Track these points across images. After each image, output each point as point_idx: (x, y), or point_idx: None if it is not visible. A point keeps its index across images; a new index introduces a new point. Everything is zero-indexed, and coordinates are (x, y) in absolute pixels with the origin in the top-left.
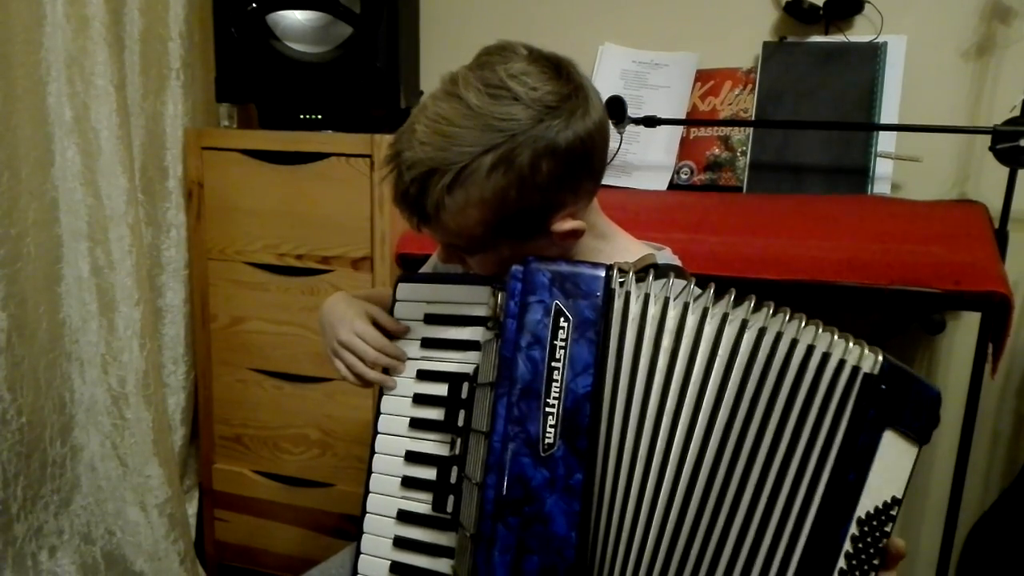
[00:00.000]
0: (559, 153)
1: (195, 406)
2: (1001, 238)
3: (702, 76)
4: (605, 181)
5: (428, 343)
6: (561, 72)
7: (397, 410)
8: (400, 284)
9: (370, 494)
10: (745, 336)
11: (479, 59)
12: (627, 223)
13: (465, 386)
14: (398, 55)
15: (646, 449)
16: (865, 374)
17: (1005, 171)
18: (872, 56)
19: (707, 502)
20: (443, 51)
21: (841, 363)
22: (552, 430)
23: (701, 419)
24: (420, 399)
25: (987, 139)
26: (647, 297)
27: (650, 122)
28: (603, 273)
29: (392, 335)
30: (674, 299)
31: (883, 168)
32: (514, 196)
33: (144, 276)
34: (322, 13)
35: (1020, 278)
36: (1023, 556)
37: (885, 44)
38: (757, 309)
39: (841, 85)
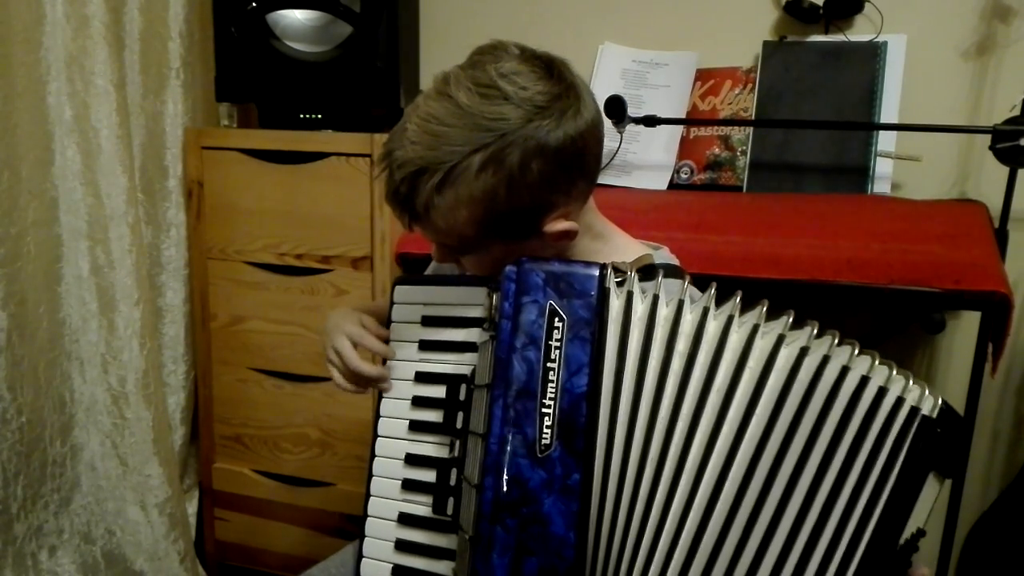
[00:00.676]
0: (549, 153)
1: (195, 405)
2: (1001, 237)
3: (702, 75)
4: (605, 180)
5: (425, 345)
6: (553, 71)
7: (396, 413)
8: (397, 287)
9: (371, 497)
10: (782, 352)
11: (471, 58)
12: (627, 222)
13: (463, 388)
14: (398, 54)
15: (657, 452)
16: (923, 416)
17: (1005, 170)
18: (872, 55)
19: (735, 515)
20: (443, 51)
21: (899, 401)
22: (549, 431)
23: (727, 430)
24: (419, 401)
25: (987, 138)
26: (655, 298)
27: (650, 121)
28: (597, 272)
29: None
30: (690, 302)
31: (883, 167)
32: (504, 196)
33: (144, 275)
34: (322, 12)
35: (1020, 277)
36: (1023, 556)
37: (885, 43)
38: (797, 326)
39: (841, 84)
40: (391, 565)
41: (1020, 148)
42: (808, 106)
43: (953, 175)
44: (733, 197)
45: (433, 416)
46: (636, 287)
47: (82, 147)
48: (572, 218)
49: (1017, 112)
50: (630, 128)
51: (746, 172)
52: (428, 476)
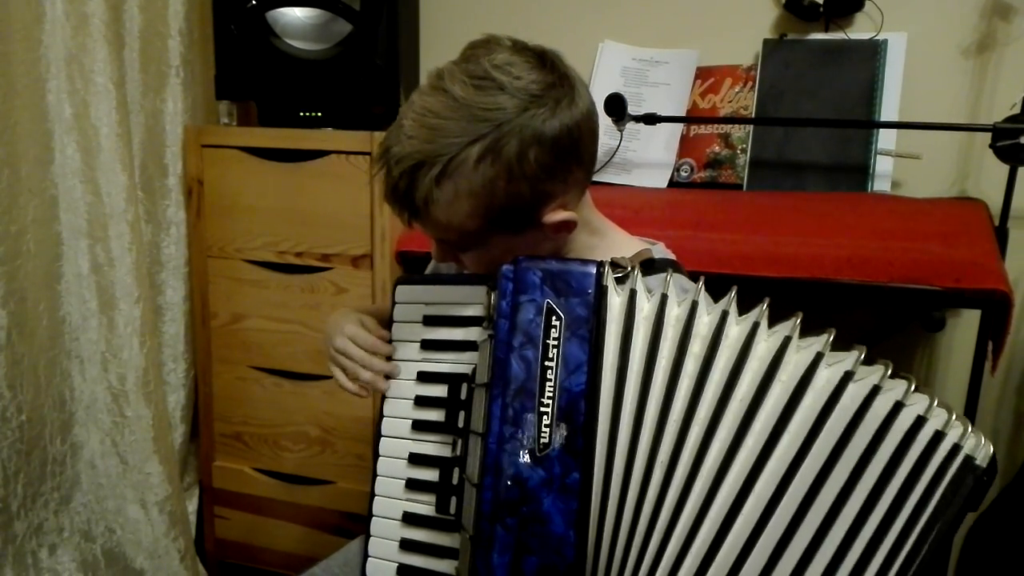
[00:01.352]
0: (546, 142)
1: (195, 404)
2: (1001, 235)
3: (702, 73)
4: (605, 178)
5: (427, 345)
6: (546, 62)
7: (399, 413)
8: (398, 287)
9: (376, 497)
10: (822, 372)
11: (464, 53)
12: (627, 221)
13: (464, 387)
14: (398, 52)
15: (668, 454)
16: (978, 466)
17: (1005, 168)
18: (872, 53)
19: (760, 531)
20: (443, 48)
21: (955, 448)
22: (547, 430)
23: (751, 442)
24: (421, 401)
25: (987, 136)
26: (664, 297)
27: (650, 119)
28: (594, 270)
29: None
30: (707, 303)
31: (883, 165)
32: (503, 186)
33: (144, 273)
34: (322, 10)
35: (1020, 276)
36: (1023, 555)
37: (885, 41)
38: (837, 347)
39: (841, 82)
40: (396, 564)
41: (1020, 146)
42: (808, 104)
43: (953, 173)
44: (733, 195)
45: (436, 415)
46: (640, 285)
47: (82, 145)
48: (570, 209)
49: (1017, 110)
50: (630, 126)
51: (746, 170)
52: (431, 475)
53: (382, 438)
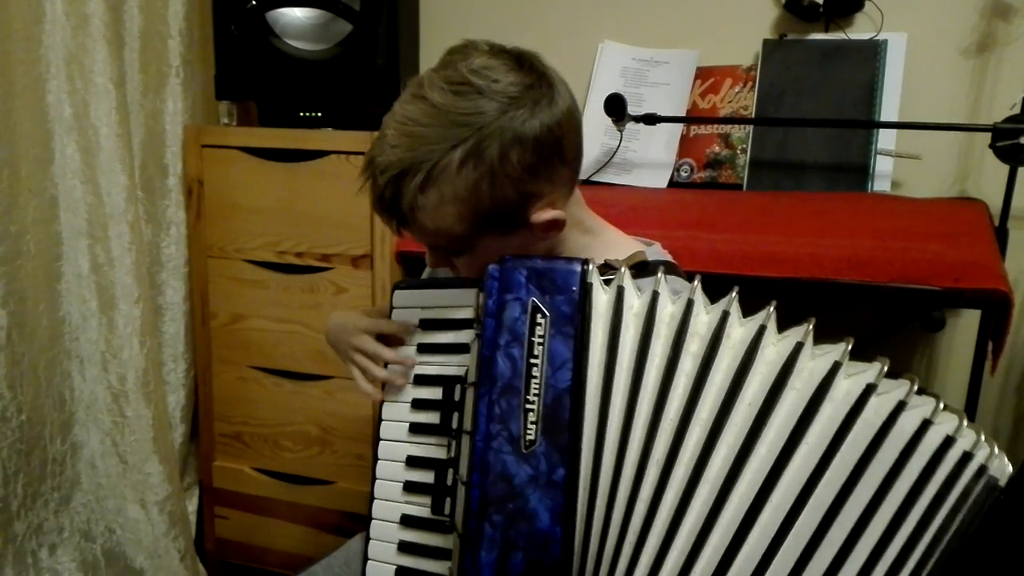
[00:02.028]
0: (527, 142)
1: (195, 403)
2: (1001, 236)
3: (702, 73)
4: (605, 178)
5: (424, 348)
6: (523, 63)
7: (397, 416)
8: (396, 292)
9: (375, 500)
10: (841, 382)
11: (442, 59)
12: (627, 221)
13: (458, 388)
14: (398, 52)
15: (664, 453)
16: (999, 487)
17: (1005, 169)
18: (872, 54)
19: (778, 546)
20: (443, 49)
21: (982, 469)
22: (533, 427)
23: (764, 451)
24: (418, 404)
25: (987, 137)
26: (655, 295)
27: (650, 120)
28: (578, 268)
29: (395, 337)
30: (704, 302)
31: (883, 166)
32: (487, 189)
33: (144, 273)
34: (322, 10)
35: (1020, 276)
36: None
37: (885, 42)
38: (856, 357)
39: (841, 83)
40: (395, 567)
41: (1020, 146)
42: (808, 104)
43: (953, 173)
44: (733, 195)
45: (432, 418)
46: (628, 282)
47: (82, 145)
48: (558, 207)
49: (1017, 110)
50: (630, 126)
51: (746, 170)
52: (428, 477)
53: (381, 441)
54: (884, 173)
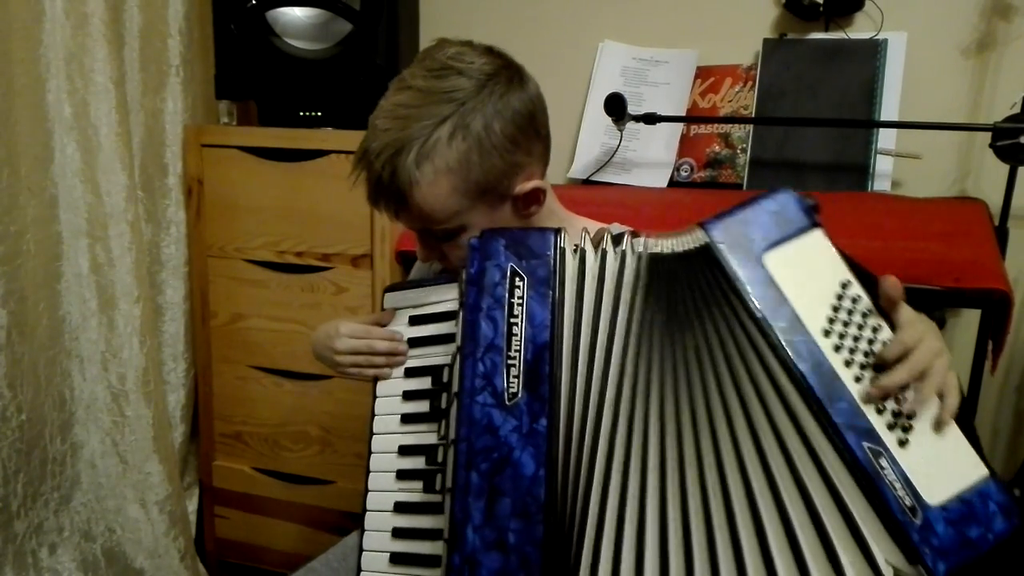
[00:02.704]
0: (507, 114)
1: (195, 403)
2: (1001, 235)
3: (702, 73)
4: (605, 178)
5: (414, 343)
6: (493, 51)
7: (390, 409)
8: (387, 294)
9: (369, 492)
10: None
11: (419, 56)
12: (627, 220)
13: (446, 371)
14: (398, 52)
15: (613, 395)
16: None
17: (1005, 168)
18: (872, 53)
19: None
20: None
21: None
22: (515, 380)
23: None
24: (409, 395)
25: (987, 136)
26: (604, 253)
27: (650, 119)
28: (552, 236)
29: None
30: (632, 252)
31: (883, 165)
32: (477, 160)
33: (144, 273)
34: (322, 10)
35: (1020, 275)
36: (1023, 555)
37: (885, 41)
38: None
39: (841, 82)
40: (388, 553)
41: (1020, 146)
42: (808, 104)
43: (953, 173)
44: (733, 195)
45: (422, 407)
46: (588, 246)
47: (82, 144)
48: (535, 178)
49: (1017, 110)
50: (630, 126)
51: (746, 170)
52: (420, 463)
53: (374, 435)
54: (884, 173)
